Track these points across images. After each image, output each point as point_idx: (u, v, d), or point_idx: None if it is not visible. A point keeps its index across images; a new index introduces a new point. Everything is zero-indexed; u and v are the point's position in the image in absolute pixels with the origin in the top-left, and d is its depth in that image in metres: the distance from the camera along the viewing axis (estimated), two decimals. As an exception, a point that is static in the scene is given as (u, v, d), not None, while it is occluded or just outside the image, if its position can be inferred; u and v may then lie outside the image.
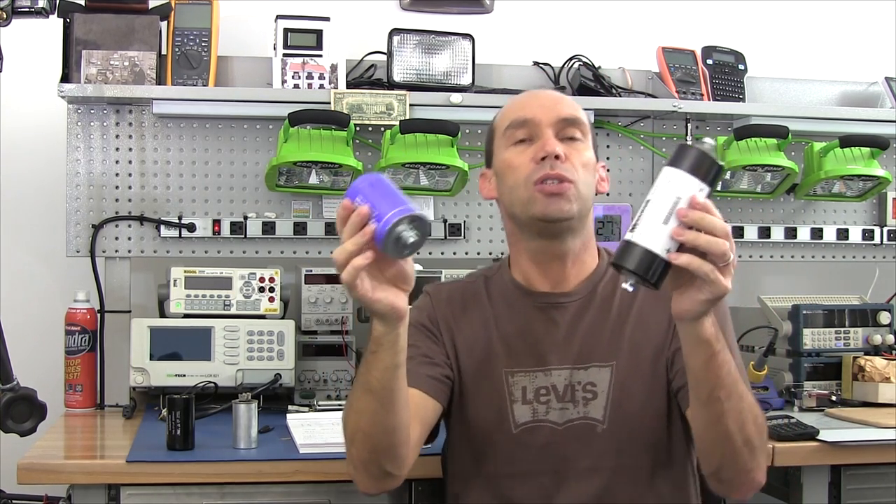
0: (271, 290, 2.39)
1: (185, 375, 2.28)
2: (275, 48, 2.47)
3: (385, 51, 2.55)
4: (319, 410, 2.27)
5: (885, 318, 2.53)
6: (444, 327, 1.67)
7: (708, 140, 1.33)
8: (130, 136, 2.49)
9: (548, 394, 1.60)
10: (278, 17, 2.49)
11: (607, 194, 1.77)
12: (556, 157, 1.55)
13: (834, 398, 2.40)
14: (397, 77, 2.53)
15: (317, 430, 2.06)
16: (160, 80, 2.41)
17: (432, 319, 1.68)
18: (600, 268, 1.66)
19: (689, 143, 1.37)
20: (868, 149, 2.65)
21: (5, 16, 1.98)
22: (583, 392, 1.58)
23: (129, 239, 2.49)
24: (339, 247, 1.38)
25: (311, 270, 2.47)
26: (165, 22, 2.45)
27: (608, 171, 1.71)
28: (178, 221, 2.49)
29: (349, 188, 1.37)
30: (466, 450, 1.66)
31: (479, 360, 1.64)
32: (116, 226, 2.48)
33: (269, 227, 2.52)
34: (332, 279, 2.46)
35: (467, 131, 2.60)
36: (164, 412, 2.04)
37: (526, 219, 1.59)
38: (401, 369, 1.43)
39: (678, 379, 1.55)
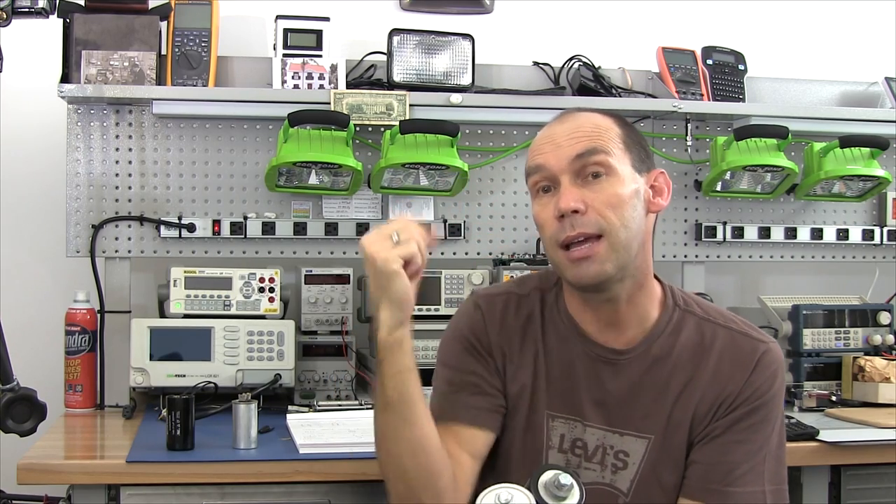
0: (271, 290, 2.38)
1: (185, 376, 2.28)
2: (275, 48, 2.47)
3: (385, 51, 2.55)
4: (319, 410, 2.27)
5: (885, 318, 2.53)
6: (497, 350, 1.57)
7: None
8: (130, 137, 2.49)
9: (582, 448, 1.53)
10: (278, 17, 2.49)
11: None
12: (575, 211, 1.43)
13: (834, 398, 2.40)
14: (397, 77, 2.53)
15: (317, 431, 2.06)
16: (160, 81, 2.41)
17: (482, 338, 1.58)
18: (662, 316, 1.53)
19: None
20: (868, 149, 2.65)
21: (5, 16, 1.98)
22: (613, 458, 1.51)
23: (129, 239, 2.49)
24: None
25: (311, 270, 2.47)
26: (165, 22, 2.45)
27: (663, 174, 1.54)
28: (178, 221, 2.49)
29: None
30: (489, 479, 1.51)
31: (525, 393, 1.55)
32: (116, 226, 2.48)
33: (269, 228, 2.52)
34: (332, 279, 2.46)
35: (467, 131, 2.61)
36: (164, 412, 2.04)
37: (564, 280, 1.51)
38: (413, 373, 1.40)
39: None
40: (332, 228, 2.56)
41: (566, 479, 1.27)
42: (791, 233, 2.80)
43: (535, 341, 1.57)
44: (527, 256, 2.57)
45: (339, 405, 2.30)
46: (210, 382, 2.27)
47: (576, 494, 1.27)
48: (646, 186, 1.50)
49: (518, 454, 1.55)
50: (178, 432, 1.89)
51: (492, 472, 1.57)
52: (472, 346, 1.58)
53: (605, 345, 1.53)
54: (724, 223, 2.76)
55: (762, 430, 1.49)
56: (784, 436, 1.53)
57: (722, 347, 1.52)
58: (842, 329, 2.51)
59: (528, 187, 1.54)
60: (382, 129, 2.50)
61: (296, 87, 2.47)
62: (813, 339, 2.48)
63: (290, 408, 2.30)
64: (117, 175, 2.49)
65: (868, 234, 2.84)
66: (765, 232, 2.78)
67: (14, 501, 2.01)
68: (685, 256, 2.75)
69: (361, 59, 2.59)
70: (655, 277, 1.57)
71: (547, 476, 1.28)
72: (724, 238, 2.76)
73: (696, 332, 1.53)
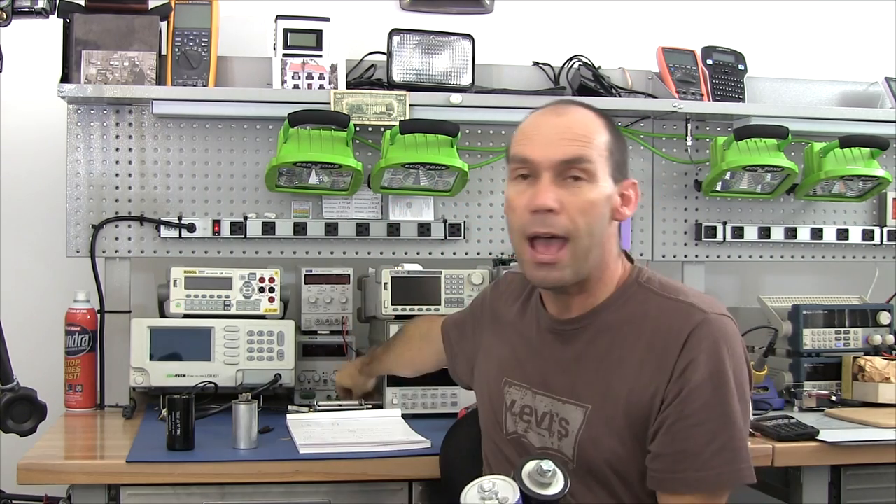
0: (271, 290, 2.39)
1: (185, 376, 2.28)
2: (275, 48, 2.47)
3: (385, 51, 2.55)
4: (319, 410, 2.27)
5: (885, 318, 2.53)
6: (486, 320, 1.80)
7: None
8: (130, 137, 2.50)
9: (530, 414, 1.61)
10: (278, 17, 2.49)
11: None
12: (550, 210, 1.49)
13: (834, 398, 2.40)
14: (397, 77, 2.53)
15: (317, 430, 2.06)
16: (160, 81, 2.41)
17: (476, 313, 1.85)
18: (615, 293, 1.57)
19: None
20: (868, 149, 2.65)
21: (5, 16, 1.98)
22: (558, 426, 1.57)
23: (129, 239, 2.49)
24: None
25: (311, 270, 2.47)
26: (165, 22, 2.45)
27: (635, 185, 1.58)
28: (178, 222, 2.49)
29: None
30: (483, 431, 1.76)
31: (496, 360, 1.72)
32: (116, 226, 2.48)
33: (269, 228, 2.52)
34: (332, 279, 2.46)
35: (467, 131, 2.60)
36: (164, 412, 2.04)
37: (523, 271, 1.60)
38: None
39: (651, 462, 1.48)
40: (332, 228, 2.55)
41: (548, 464, 1.29)
42: (791, 233, 2.80)
43: (515, 312, 1.72)
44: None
45: (339, 405, 2.30)
46: (210, 382, 2.27)
47: (560, 480, 1.28)
48: (616, 194, 1.55)
49: (486, 417, 1.72)
50: (178, 432, 1.89)
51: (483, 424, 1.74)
52: (467, 320, 1.88)
53: (556, 316, 1.61)
54: (724, 223, 2.76)
55: (719, 406, 1.43)
56: (749, 415, 1.48)
57: (659, 317, 1.51)
58: (842, 329, 2.51)
59: (506, 164, 1.62)
60: (382, 129, 2.50)
61: (296, 87, 2.47)
62: (813, 339, 2.48)
63: (290, 408, 2.30)
64: (117, 175, 2.49)
65: (868, 234, 2.84)
66: (765, 232, 2.78)
67: (14, 501, 2.01)
68: (685, 256, 2.75)
69: (361, 59, 2.59)
70: (628, 258, 1.62)
71: (530, 466, 1.30)
72: (724, 238, 2.76)
73: (641, 305, 1.55)
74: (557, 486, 1.29)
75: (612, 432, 1.50)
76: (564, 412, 1.56)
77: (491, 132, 2.66)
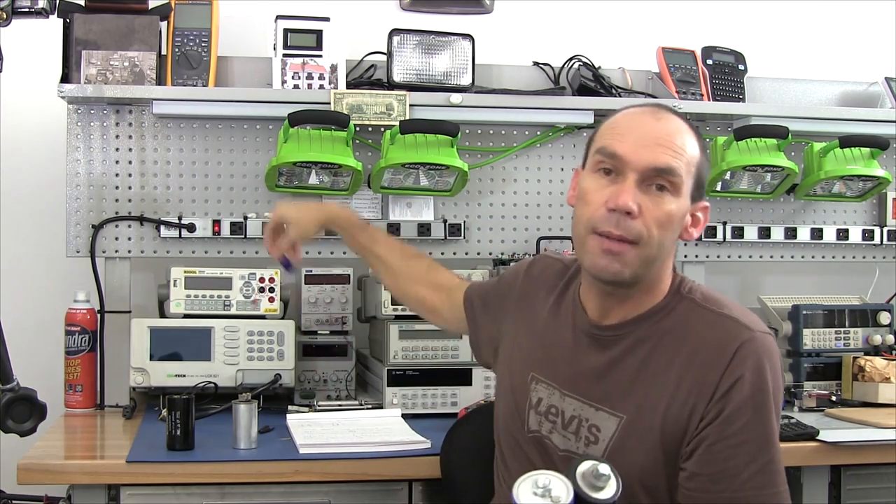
0: (271, 290, 2.39)
1: (185, 376, 2.28)
2: (275, 48, 2.47)
3: (385, 51, 2.55)
4: (319, 410, 2.27)
5: (885, 318, 2.53)
6: (512, 301, 1.73)
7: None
8: (130, 137, 2.49)
9: (556, 415, 1.56)
10: (278, 17, 2.49)
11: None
12: (628, 212, 1.43)
13: (834, 398, 2.40)
14: (397, 77, 2.53)
15: (317, 430, 2.06)
16: (160, 81, 2.41)
17: (503, 291, 1.78)
18: (659, 303, 1.53)
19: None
20: (868, 149, 2.65)
21: (5, 16, 1.98)
22: (587, 431, 1.52)
23: (129, 239, 2.49)
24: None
25: (311, 270, 2.47)
26: (165, 22, 2.45)
27: (707, 209, 1.55)
28: (178, 221, 2.49)
29: None
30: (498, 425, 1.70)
31: (520, 350, 1.67)
32: (116, 226, 2.48)
33: (269, 228, 2.52)
34: (332, 279, 2.46)
35: (467, 131, 2.60)
36: (164, 412, 2.04)
37: (580, 258, 1.53)
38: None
39: (687, 481, 1.45)
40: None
41: (605, 468, 1.26)
42: (791, 233, 2.80)
43: (549, 307, 1.65)
44: (527, 256, 2.57)
45: (339, 405, 2.30)
46: (210, 382, 2.27)
47: (612, 485, 1.27)
48: (689, 214, 1.51)
49: (505, 408, 1.66)
50: (178, 432, 1.89)
51: (499, 416, 1.67)
52: (492, 296, 1.80)
53: (596, 321, 1.55)
54: (724, 223, 2.76)
55: (760, 426, 1.42)
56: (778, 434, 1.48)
57: (703, 331, 1.48)
58: (842, 329, 2.51)
59: (588, 156, 1.53)
60: (382, 129, 2.50)
61: (296, 87, 2.47)
62: (813, 339, 2.48)
63: (290, 408, 2.30)
64: (117, 175, 2.49)
65: (868, 234, 2.84)
66: (765, 232, 2.78)
67: (14, 501, 2.01)
68: (685, 256, 2.75)
69: (361, 59, 2.59)
70: (673, 270, 1.57)
71: (585, 466, 1.28)
72: (724, 238, 2.76)
73: (685, 317, 1.51)
74: (609, 490, 1.28)
75: (644, 445, 1.47)
76: (596, 419, 1.52)
77: (491, 132, 2.66)
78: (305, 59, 2.48)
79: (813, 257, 2.85)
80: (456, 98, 2.51)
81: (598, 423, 1.51)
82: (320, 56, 2.49)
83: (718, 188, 2.68)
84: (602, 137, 1.50)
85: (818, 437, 2.02)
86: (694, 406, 1.43)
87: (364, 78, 2.57)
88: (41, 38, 2.48)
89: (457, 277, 1.98)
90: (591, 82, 2.62)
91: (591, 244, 1.46)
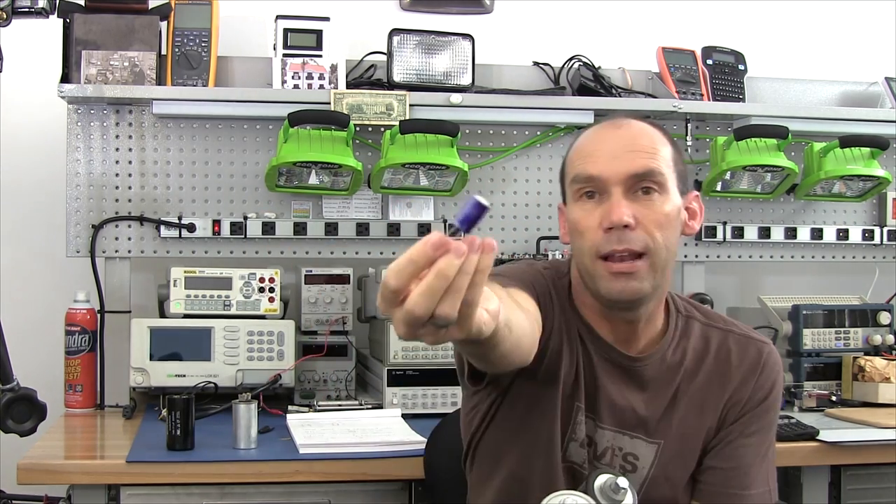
0: (271, 290, 2.39)
1: (185, 376, 2.28)
2: (275, 48, 2.47)
3: (385, 51, 2.54)
4: (319, 410, 2.27)
5: (885, 318, 2.53)
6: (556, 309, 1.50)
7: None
8: (130, 137, 2.49)
9: (590, 445, 1.51)
10: (278, 17, 2.49)
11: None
12: (626, 225, 1.38)
13: (834, 398, 2.40)
14: (397, 77, 2.53)
15: (317, 430, 2.06)
16: (160, 81, 2.41)
17: (542, 299, 1.48)
18: (669, 324, 1.53)
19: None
20: (868, 149, 2.65)
21: (5, 16, 1.98)
22: (622, 460, 1.50)
23: (129, 239, 2.49)
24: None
25: (311, 270, 2.47)
26: (165, 22, 2.45)
27: (698, 197, 1.55)
28: (178, 221, 2.49)
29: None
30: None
31: (563, 373, 1.48)
32: (116, 226, 2.48)
33: (269, 228, 2.52)
34: (332, 279, 2.46)
35: (467, 131, 2.61)
36: (164, 412, 2.04)
37: (593, 290, 1.45)
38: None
39: (703, 473, 1.53)
40: (332, 228, 2.55)
41: (623, 482, 1.29)
42: (791, 233, 2.80)
43: (571, 330, 1.50)
44: (527, 256, 2.57)
45: (339, 405, 2.30)
46: (210, 382, 2.27)
47: (629, 498, 1.29)
48: (683, 208, 1.50)
49: (537, 425, 1.48)
50: (178, 432, 1.89)
51: (515, 440, 1.50)
52: (536, 290, 1.48)
53: (621, 350, 1.50)
54: (724, 223, 2.76)
55: (769, 431, 1.53)
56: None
57: (728, 352, 1.54)
58: (842, 329, 2.51)
59: (565, 188, 1.49)
60: (382, 129, 2.50)
61: (296, 87, 2.47)
62: (813, 339, 2.48)
63: (290, 408, 2.30)
64: (117, 175, 2.49)
65: (868, 234, 2.84)
66: (765, 232, 2.78)
67: (14, 501, 2.01)
68: (685, 256, 2.75)
69: (361, 59, 2.59)
70: None
71: (602, 479, 1.29)
72: (724, 238, 2.76)
73: (702, 338, 1.55)
74: (627, 502, 1.30)
75: (685, 469, 1.52)
76: (632, 447, 1.50)
77: (491, 132, 2.66)
78: (305, 58, 2.48)
79: (813, 257, 2.85)
80: (456, 98, 2.51)
81: (635, 451, 1.51)
82: (320, 56, 2.49)
83: (718, 188, 2.68)
84: (573, 166, 1.46)
85: (818, 437, 2.02)
86: (724, 419, 1.52)
87: (364, 78, 2.57)
88: (41, 38, 2.48)
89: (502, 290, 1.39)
90: (591, 82, 2.62)
91: (600, 270, 1.41)
